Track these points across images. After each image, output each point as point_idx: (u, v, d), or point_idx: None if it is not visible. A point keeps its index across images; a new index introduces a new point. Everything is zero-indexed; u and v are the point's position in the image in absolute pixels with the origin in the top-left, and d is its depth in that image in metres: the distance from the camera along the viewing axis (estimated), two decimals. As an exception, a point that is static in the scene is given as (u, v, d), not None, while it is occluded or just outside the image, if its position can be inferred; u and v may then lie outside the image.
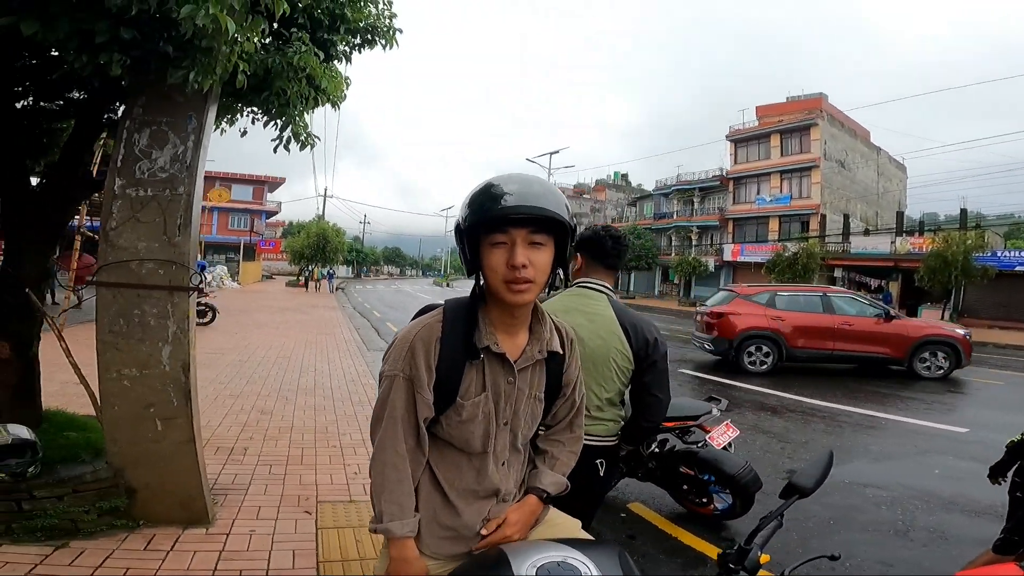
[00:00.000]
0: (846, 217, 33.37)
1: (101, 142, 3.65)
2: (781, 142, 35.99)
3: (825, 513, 3.95)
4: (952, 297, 24.31)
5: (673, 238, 43.69)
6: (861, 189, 37.03)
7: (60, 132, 3.57)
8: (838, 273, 31.12)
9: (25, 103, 3.18)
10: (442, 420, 1.32)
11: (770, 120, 37.10)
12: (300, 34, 2.96)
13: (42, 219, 3.00)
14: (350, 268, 59.43)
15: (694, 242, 41.44)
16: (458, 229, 1.26)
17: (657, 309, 31.20)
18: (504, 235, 1.20)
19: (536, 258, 1.22)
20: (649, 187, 50.76)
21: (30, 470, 2.80)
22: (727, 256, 36.94)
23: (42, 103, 3.34)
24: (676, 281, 40.36)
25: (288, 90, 2.96)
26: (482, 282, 1.28)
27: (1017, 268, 23.92)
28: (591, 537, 1.44)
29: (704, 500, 3.79)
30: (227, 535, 3.03)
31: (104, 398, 2.80)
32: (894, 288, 28.95)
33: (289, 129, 3.32)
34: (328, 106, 3.60)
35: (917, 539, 3.63)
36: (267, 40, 2.94)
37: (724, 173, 39.84)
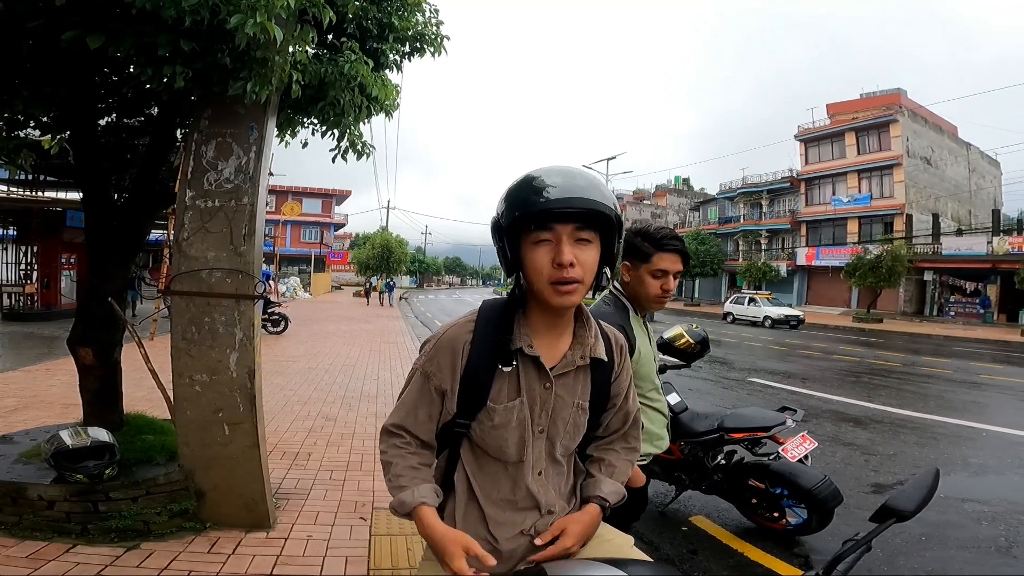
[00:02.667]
0: (935, 216, 31.12)
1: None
2: (857, 140, 34.10)
3: (916, 528, 3.60)
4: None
5: (740, 243, 42.13)
6: (951, 187, 34.44)
7: (141, 148, 3.81)
8: (928, 276, 29.09)
9: (108, 119, 3.39)
10: (474, 425, 1.26)
11: (843, 118, 35.36)
12: (350, 43, 3.03)
13: (124, 232, 3.20)
14: (413, 278, 60.78)
15: (763, 246, 39.77)
16: (497, 226, 1.19)
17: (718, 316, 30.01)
18: (549, 232, 1.12)
19: (583, 256, 1.13)
20: (712, 191, 49.34)
21: (107, 472, 2.94)
22: (800, 260, 35.26)
23: (124, 120, 3.56)
24: (745, 287, 38.85)
25: (341, 99, 3.03)
26: (522, 283, 1.20)
27: None
28: (644, 556, 1.31)
29: (776, 515, 3.54)
30: (285, 539, 3.10)
31: (177, 403, 2.94)
32: (992, 291, 26.76)
33: (345, 139, 3.40)
34: (384, 116, 3.67)
35: (1022, 556, 3.32)
36: (318, 50, 3.02)
37: (795, 174, 38.16)
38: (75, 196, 14.20)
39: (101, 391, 3.26)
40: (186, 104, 3.00)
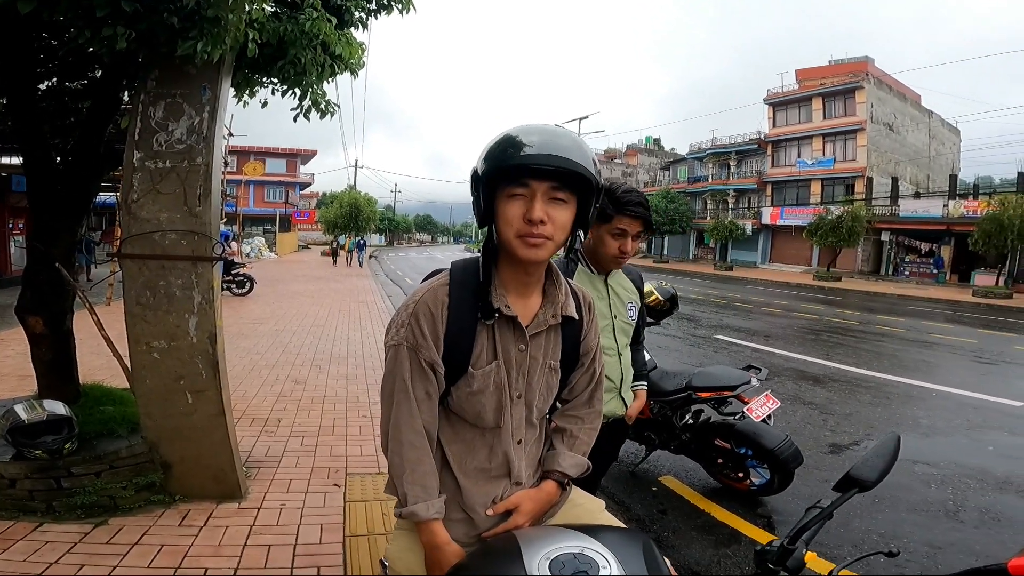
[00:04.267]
0: (894, 180, 31.98)
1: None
2: (824, 105, 34.71)
3: (871, 492, 3.78)
4: (1007, 262, 23.07)
5: (708, 202, 42.76)
6: (911, 152, 35.51)
7: (84, 111, 3.56)
8: (885, 236, 30.07)
9: (48, 84, 3.15)
10: (452, 392, 1.24)
11: (811, 84, 35.86)
12: (312, 0, 2.84)
13: (68, 195, 3.02)
14: (382, 236, 59.98)
15: (730, 206, 40.47)
16: (475, 177, 1.16)
17: (692, 273, 30.82)
18: (523, 187, 1.10)
19: (556, 214, 1.12)
20: (683, 152, 49.58)
21: (67, 446, 2.82)
22: (766, 219, 36.06)
23: (66, 83, 3.33)
24: (712, 245, 39.63)
25: (303, 58, 2.89)
26: (495, 237, 1.18)
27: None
28: (615, 522, 1.33)
29: (740, 475, 3.66)
30: (258, 509, 3.07)
31: (136, 371, 2.84)
32: (946, 252, 27.80)
33: (308, 98, 3.24)
34: (350, 76, 3.49)
35: (968, 520, 3.45)
36: (277, 8, 2.83)
37: (762, 136, 38.69)
38: (19, 161, 13.41)
39: (54, 361, 3.13)
40: (132, 66, 2.79)
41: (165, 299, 2.74)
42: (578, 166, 1.08)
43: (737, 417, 3.59)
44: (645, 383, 2.46)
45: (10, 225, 15.71)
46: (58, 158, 3.05)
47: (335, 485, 3.43)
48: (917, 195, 31.73)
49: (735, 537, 3.20)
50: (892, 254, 30.25)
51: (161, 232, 2.66)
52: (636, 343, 2.47)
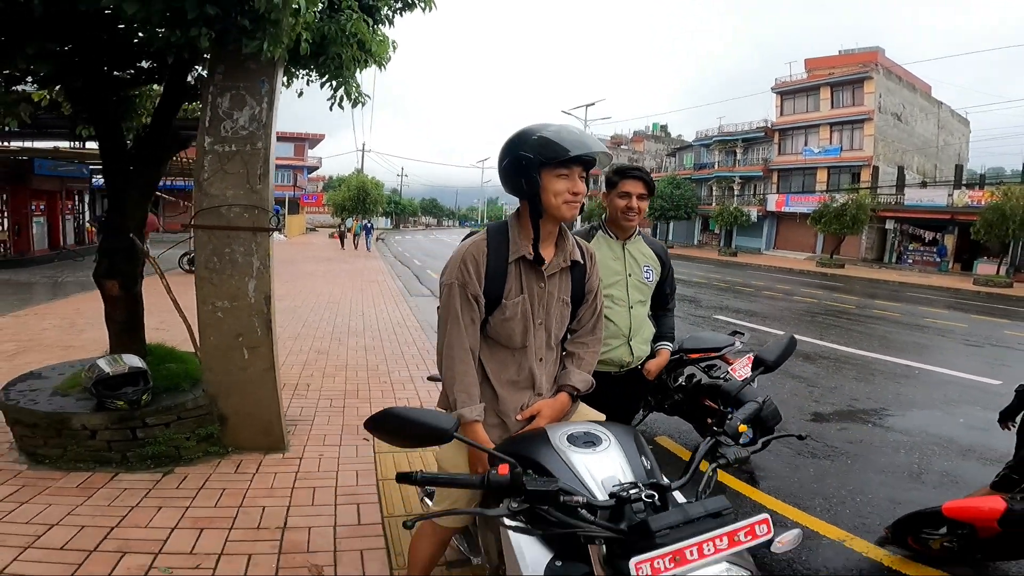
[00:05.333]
0: (900, 169, 32.02)
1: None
2: (832, 95, 34.70)
3: (846, 454, 4.21)
4: (1010, 252, 23.26)
5: (714, 188, 42.90)
6: (919, 142, 35.56)
7: (134, 99, 3.95)
8: (890, 225, 30.17)
9: (119, 73, 3.53)
10: (490, 320, 1.67)
11: (820, 73, 35.88)
12: (350, 2, 3.21)
13: (139, 175, 3.43)
14: (389, 219, 60.38)
15: (736, 192, 40.58)
16: (521, 164, 1.58)
17: (696, 258, 31.13)
18: (567, 169, 1.57)
19: (583, 187, 1.62)
20: (690, 139, 49.53)
21: (144, 398, 3.19)
22: (771, 206, 36.16)
23: (115, 72, 3.67)
24: (716, 231, 39.80)
25: (343, 54, 3.26)
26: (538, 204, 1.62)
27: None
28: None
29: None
30: (300, 459, 3.49)
31: (201, 329, 3.27)
32: (949, 241, 27.93)
33: (342, 89, 3.61)
34: (375, 68, 3.84)
35: (929, 482, 3.82)
36: (321, 8, 3.19)
37: (769, 125, 38.67)
38: (41, 144, 13.86)
39: (127, 322, 3.55)
40: (197, 59, 3.16)
41: (229, 264, 3.17)
42: (599, 150, 1.58)
43: (723, 379, 3.99)
44: (669, 344, 2.84)
45: (32, 207, 16.18)
46: (129, 142, 3.45)
47: (364, 439, 3.84)
48: (924, 184, 31.78)
49: (719, 489, 3.62)
50: (896, 242, 30.38)
51: (227, 206, 3.08)
52: (664, 308, 2.86)
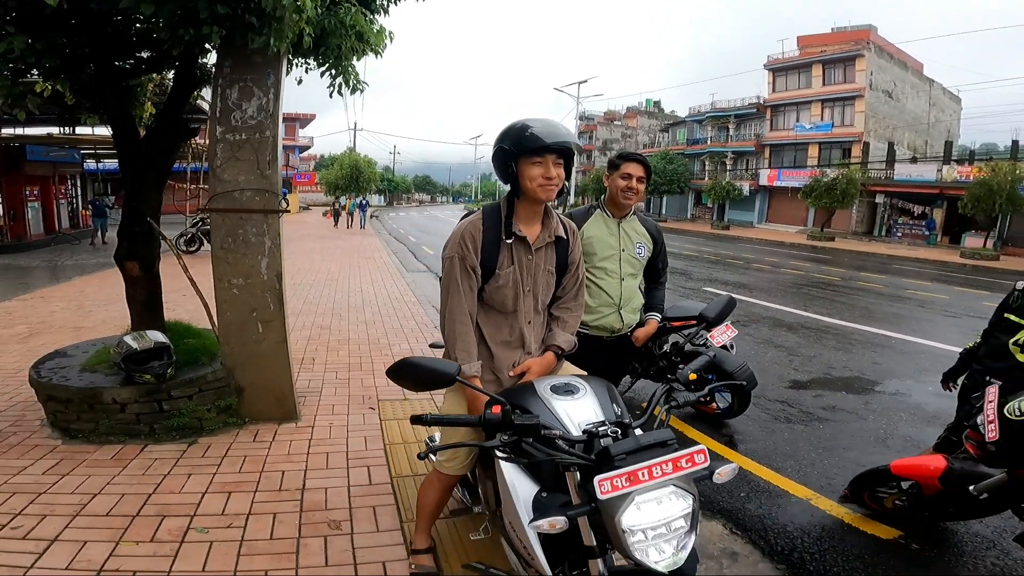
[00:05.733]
0: (890, 144, 32.33)
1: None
2: (823, 72, 35.01)
3: (820, 419, 4.50)
4: (998, 226, 23.66)
5: (707, 163, 43.13)
6: (910, 119, 35.94)
7: (136, 88, 4.10)
8: (880, 199, 30.51)
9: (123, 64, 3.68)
10: (485, 288, 1.95)
11: (812, 51, 36.04)
12: None
13: (153, 162, 3.63)
14: (382, 197, 60.29)
15: (728, 167, 40.84)
16: (503, 152, 1.86)
17: (688, 232, 31.55)
18: (540, 157, 1.83)
19: (558, 172, 1.87)
20: (683, 115, 49.56)
21: (168, 371, 3.42)
22: (763, 181, 36.53)
23: (116, 63, 3.80)
24: (709, 205, 40.12)
25: (342, 46, 3.44)
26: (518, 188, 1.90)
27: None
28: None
29: (707, 399, 4.37)
30: (312, 427, 3.76)
31: (218, 305, 3.51)
32: (938, 215, 28.29)
33: (341, 77, 3.78)
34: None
35: (893, 446, 4.07)
36: (320, 2, 3.35)
37: (761, 101, 38.94)
38: (33, 131, 14.01)
39: (147, 300, 3.79)
40: (204, 52, 3.34)
41: (243, 244, 3.40)
42: (573, 146, 1.85)
43: (704, 345, 4.23)
44: (657, 315, 3.09)
45: (26, 192, 16.29)
46: (142, 131, 3.63)
47: (371, 408, 4.13)
48: (914, 159, 32.04)
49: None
50: (885, 216, 30.75)
51: (240, 191, 3.31)
52: (656, 282, 3.12)
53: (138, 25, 2.95)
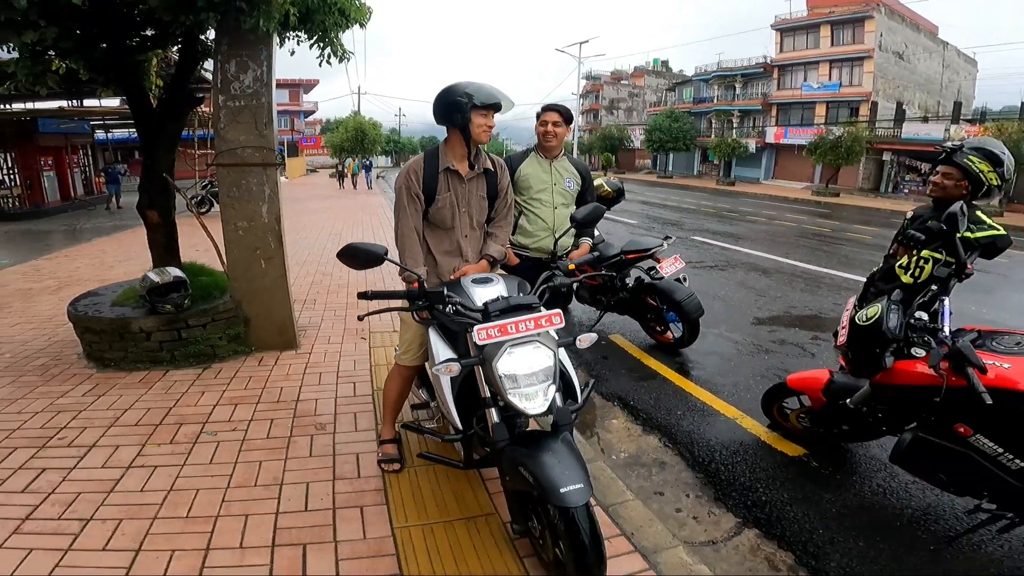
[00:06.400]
0: (899, 104, 32.19)
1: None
2: (832, 32, 34.72)
3: (768, 351, 4.92)
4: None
5: (713, 121, 42.83)
6: (921, 80, 35.82)
7: (143, 63, 4.51)
8: (887, 157, 30.36)
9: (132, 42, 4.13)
10: (430, 210, 2.54)
11: (820, 11, 35.43)
12: None
13: (164, 127, 4.19)
14: (389, 158, 60.57)
15: (735, 125, 40.56)
16: (459, 103, 2.37)
17: (693, 188, 31.95)
18: (485, 111, 2.39)
19: (492, 122, 2.45)
20: (690, 75, 48.88)
21: (186, 302, 3.99)
22: (769, 138, 36.38)
23: (125, 42, 4.20)
24: (716, 162, 39.99)
25: (326, 21, 3.90)
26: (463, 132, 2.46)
27: (1070, 157, 22.68)
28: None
29: (662, 328, 4.89)
30: (310, 354, 4.35)
31: (226, 246, 4.09)
32: (945, 173, 28.12)
33: (328, 49, 4.21)
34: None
35: (820, 357, 4.62)
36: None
37: (768, 61, 38.66)
38: (43, 105, 14.67)
39: (166, 244, 4.40)
40: (203, 32, 3.85)
41: (246, 192, 3.97)
42: (506, 101, 2.40)
43: (659, 279, 4.66)
44: (588, 239, 3.64)
45: (41, 162, 17.09)
46: (154, 101, 4.15)
47: (362, 339, 4.72)
48: (925, 119, 31.79)
49: (653, 375, 4.39)
50: (892, 173, 30.64)
51: (241, 148, 3.86)
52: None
53: (141, 6, 3.33)
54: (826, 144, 27.29)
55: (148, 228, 4.33)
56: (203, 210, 14.20)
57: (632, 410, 3.81)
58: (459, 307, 2.03)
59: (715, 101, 42.65)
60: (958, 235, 2.51)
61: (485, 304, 2.01)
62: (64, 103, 14.85)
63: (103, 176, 19.39)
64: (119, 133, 26.49)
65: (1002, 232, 2.66)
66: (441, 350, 2.20)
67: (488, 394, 1.99)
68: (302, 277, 6.95)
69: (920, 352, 2.32)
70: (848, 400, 2.67)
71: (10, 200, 16.19)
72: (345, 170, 29.33)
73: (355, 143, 34.30)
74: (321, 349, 4.47)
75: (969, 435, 2.20)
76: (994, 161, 2.65)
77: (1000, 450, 2.14)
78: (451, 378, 2.10)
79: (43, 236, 11.98)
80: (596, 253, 3.43)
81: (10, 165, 16.61)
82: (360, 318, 2.22)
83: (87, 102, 14.97)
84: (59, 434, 3.12)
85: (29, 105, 14.87)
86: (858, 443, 3.23)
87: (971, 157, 2.68)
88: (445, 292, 2.05)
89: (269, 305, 4.25)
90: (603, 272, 4.85)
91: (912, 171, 29.88)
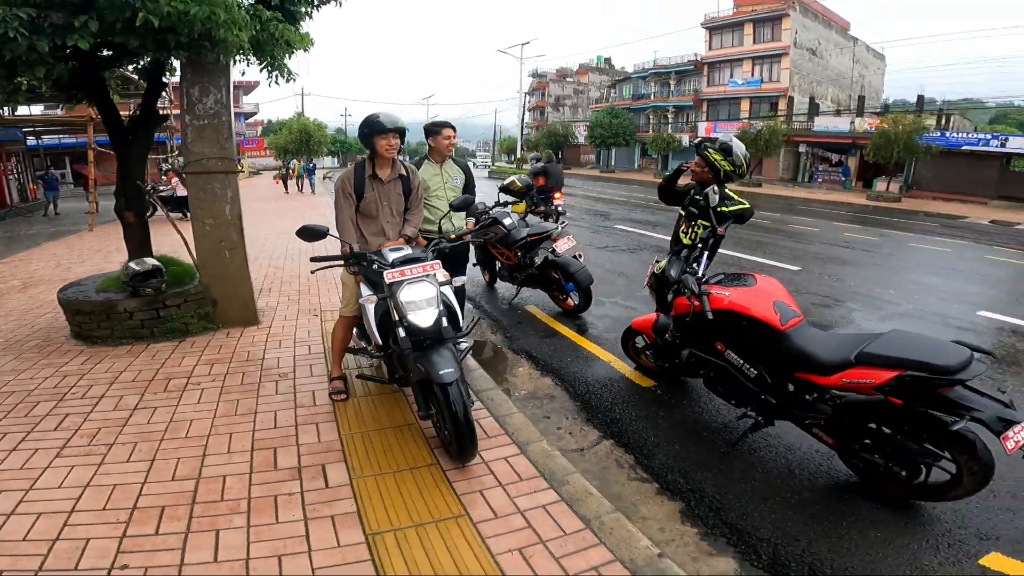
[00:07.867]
0: (812, 99, 34.96)
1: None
2: (754, 30, 37.41)
3: (649, 310, 6.11)
4: (904, 172, 26.25)
5: (651, 117, 44.99)
6: (833, 75, 38.92)
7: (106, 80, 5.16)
8: (802, 148, 32.87)
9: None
10: (360, 204, 3.51)
11: (744, 10, 38.23)
12: (274, 14, 4.55)
13: (136, 142, 4.96)
14: (335, 158, 60.01)
15: (670, 120, 42.80)
16: (368, 132, 3.37)
17: (632, 181, 33.79)
18: (386, 135, 3.36)
19: (396, 143, 3.41)
20: (632, 71, 50.96)
21: (163, 286, 4.77)
22: (701, 133, 38.47)
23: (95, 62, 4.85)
24: (654, 156, 42.14)
25: (275, 52, 4.73)
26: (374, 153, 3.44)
27: (964, 147, 25.47)
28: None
29: (563, 297, 5.94)
30: (270, 327, 5.19)
31: (196, 239, 4.92)
32: (852, 163, 30.75)
33: (276, 72, 5.01)
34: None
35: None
36: (253, 21, 4.55)
37: (699, 58, 41.10)
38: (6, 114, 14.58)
39: (141, 241, 5.15)
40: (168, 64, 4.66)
41: (211, 195, 4.79)
42: (403, 128, 3.38)
43: (554, 256, 5.75)
44: (473, 218, 4.75)
45: (3, 167, 16.99)
46: (126, 119, 4.94)
47: (314, 315, 5.59)
48: (838, 112, 34.63)
49: (555, 334, 5.46)
50: (807, 163, 33.20)
51: (206, 159, 4.68)
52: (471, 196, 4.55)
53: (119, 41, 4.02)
54: (748, 138, 29.31)
55: (125, 227, 5.09)
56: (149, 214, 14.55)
57: (534, 360, 4.82)
58: (378, 262, 3.04)
59: (652, 98, 44.94)
60: (713, 209, 3.50)
61: (392, 259, 3.02)
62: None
63: (40, 183, 19.25)
64: (50, 140, 25.97)
65: (747, 206, 3.65)
66: (366, 292, 3.21)
67: (397, 318, 2.99)
68: (255, 270, 7.52)
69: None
70: (667, 335, 3.52)
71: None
72: (291, 172, 28.45)
73: (300, 145, 34.22)
74: (279, 324, 5.29)
75: (724, 351, 3.16)
76: (727, 152, 3.62)
77: (740, 361, 3.08)
78: (373, 308, 3.12)
79: (6, 238, 12.13)
80: (506, 231, 4.44)
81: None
82: (313, 271, 3.45)
83: (20, 110, 15.05)
84: (71, 390, 3.85)
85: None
86: (693, 378, 4.00)
87: (710, 150, 3.65)
88: (368, 254, 3.07)
89: (234, 288, 5.07)
90: (516, 252, 5.91)
91: (824, 161, 32.45)
